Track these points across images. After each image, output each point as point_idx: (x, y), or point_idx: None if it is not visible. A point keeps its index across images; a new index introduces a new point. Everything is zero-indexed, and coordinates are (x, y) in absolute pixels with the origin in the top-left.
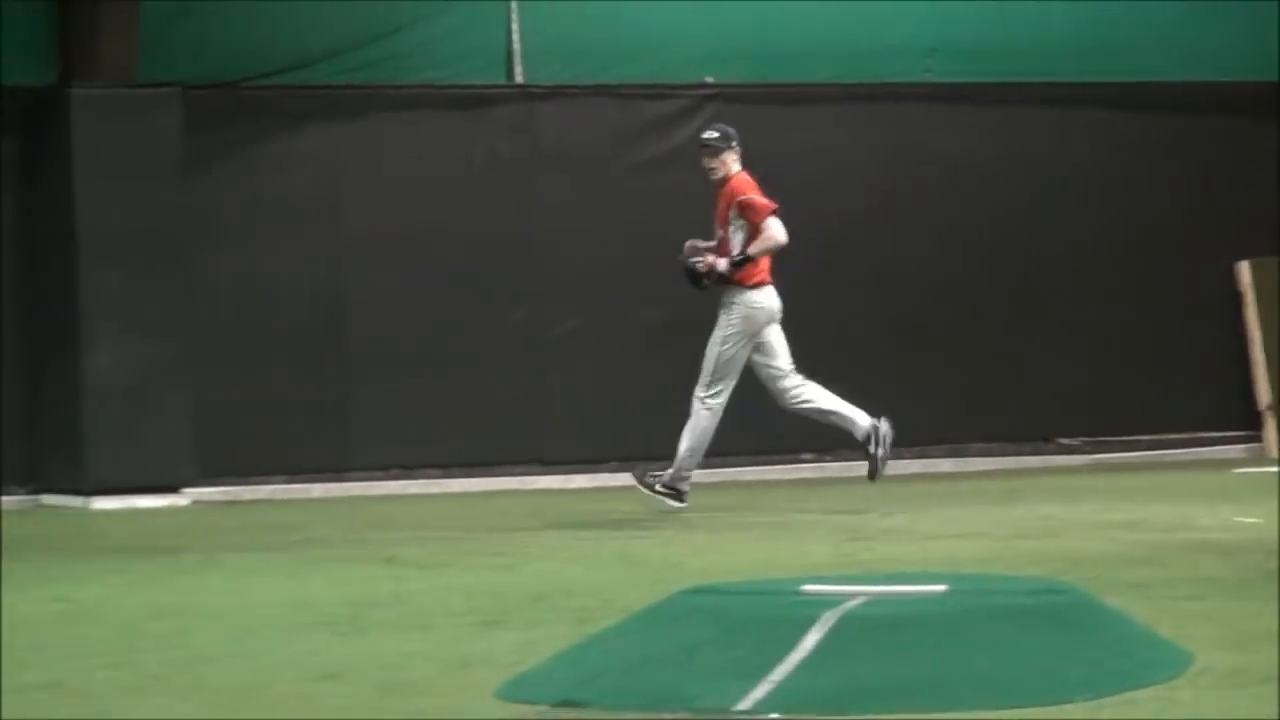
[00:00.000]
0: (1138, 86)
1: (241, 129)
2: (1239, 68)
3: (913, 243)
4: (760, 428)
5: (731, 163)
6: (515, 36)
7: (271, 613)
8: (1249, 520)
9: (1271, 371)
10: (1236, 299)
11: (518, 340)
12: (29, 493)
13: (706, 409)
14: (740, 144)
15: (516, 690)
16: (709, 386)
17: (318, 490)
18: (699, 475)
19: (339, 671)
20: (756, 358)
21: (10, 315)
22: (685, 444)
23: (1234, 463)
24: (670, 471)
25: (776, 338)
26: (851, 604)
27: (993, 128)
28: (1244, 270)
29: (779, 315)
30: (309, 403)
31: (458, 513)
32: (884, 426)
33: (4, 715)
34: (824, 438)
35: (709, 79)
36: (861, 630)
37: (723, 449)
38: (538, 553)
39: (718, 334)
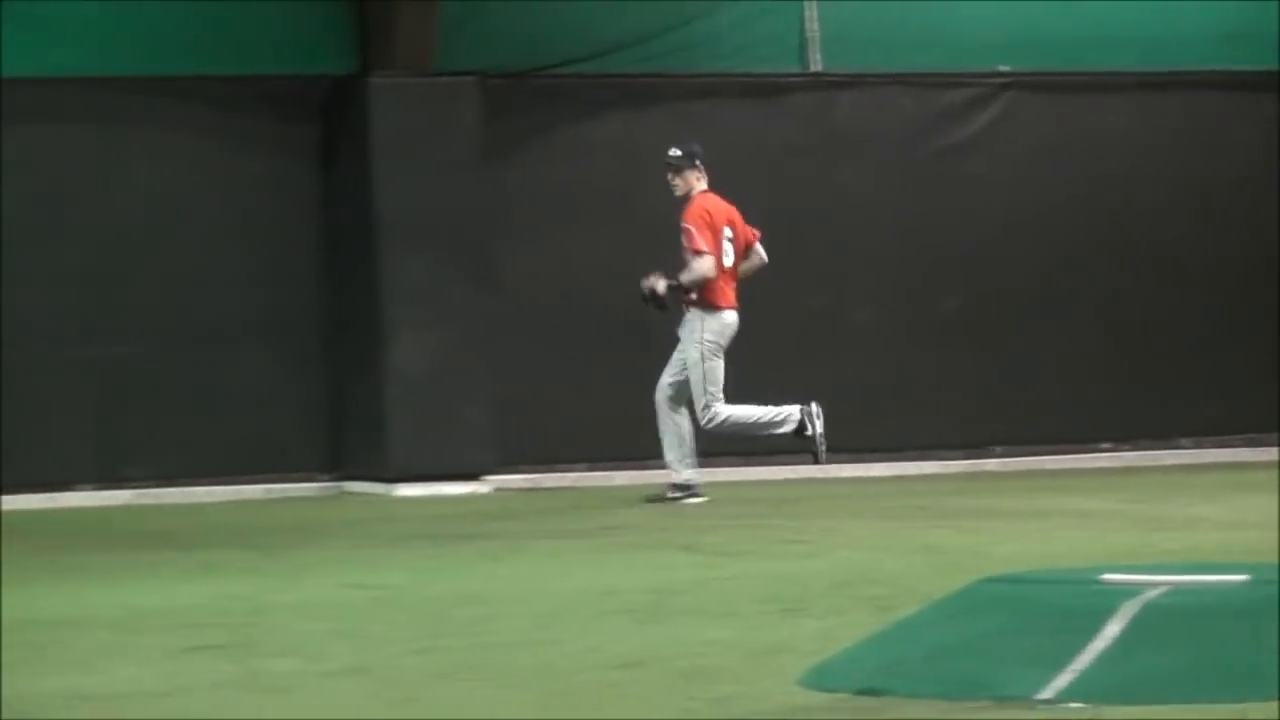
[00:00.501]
0: None
1: (538, 118)
2: None
3: (1210, 232)
4: (1061, 417)
5: (694, 180)
6: (811, 25)
7: (574, 600)
8: None
9: None
10: None
11: (813, 328)
12: (333, 480)
13: (722, 419)
14: (704, 161)
15: (818, 678)
16: (708, 403)
17: (620, 478)
18: (1002, 465)
19: (641, 659)
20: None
21: (312, 304)
22: (743, 423)
23: None
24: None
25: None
26: (1152, 593)
27: None
28: None
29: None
30: (609, 390)
31: (759, 500)
32: (814, 408)
33: (312, 699)
34: (1122, 427)
35: (1003, 68)
36: (1163, 620)
37: (1023, 438)
38: (839, 540)
39: (693, 354)
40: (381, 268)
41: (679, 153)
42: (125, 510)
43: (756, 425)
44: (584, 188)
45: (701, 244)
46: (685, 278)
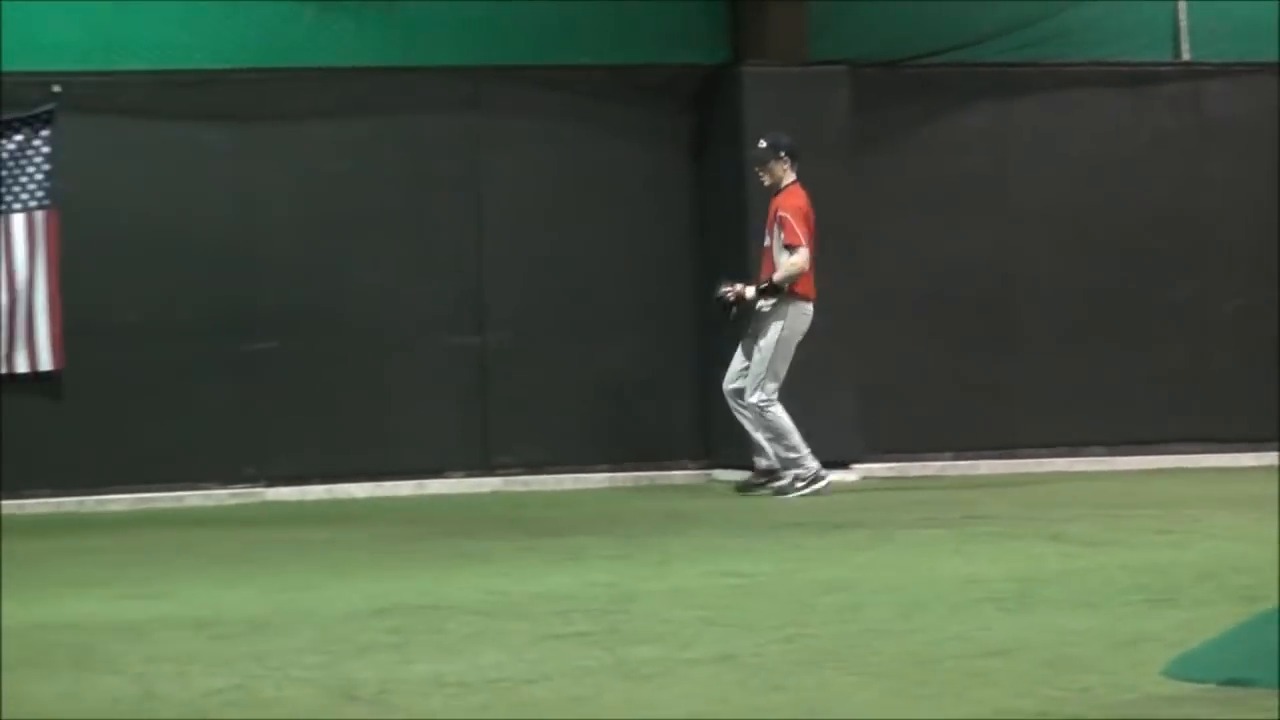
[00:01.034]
0: None
1: (910, 107)
2: None
3: None
4: None
5: (781, 172)
6: (1182, 14)
7: (940, 588)
8: None
9: None
10: None
11: (1183, 317)
12: (701, 468)
13: (773, 412)
14: (791, 153)
15: (1182, 668)
16: (768, 389)
17: (985, 467)
18: None
19: (1005, 648)
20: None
21: (683, 293)
22: (778, 443)
23: None
24: (792, 473)
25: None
26: None
27: None
28: None
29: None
30: (977, 379)
31: (1124, 490)
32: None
33: (677, 687)
34: None
35: None
36: None
37: None
38: (1206, 530)
39: (772, 337)
40: (752, 256)
41: (764, 144)
42: (494, 497)
43: (786, 444)
44: (954, 177)
45: (800, 236)
46: (780, 275)
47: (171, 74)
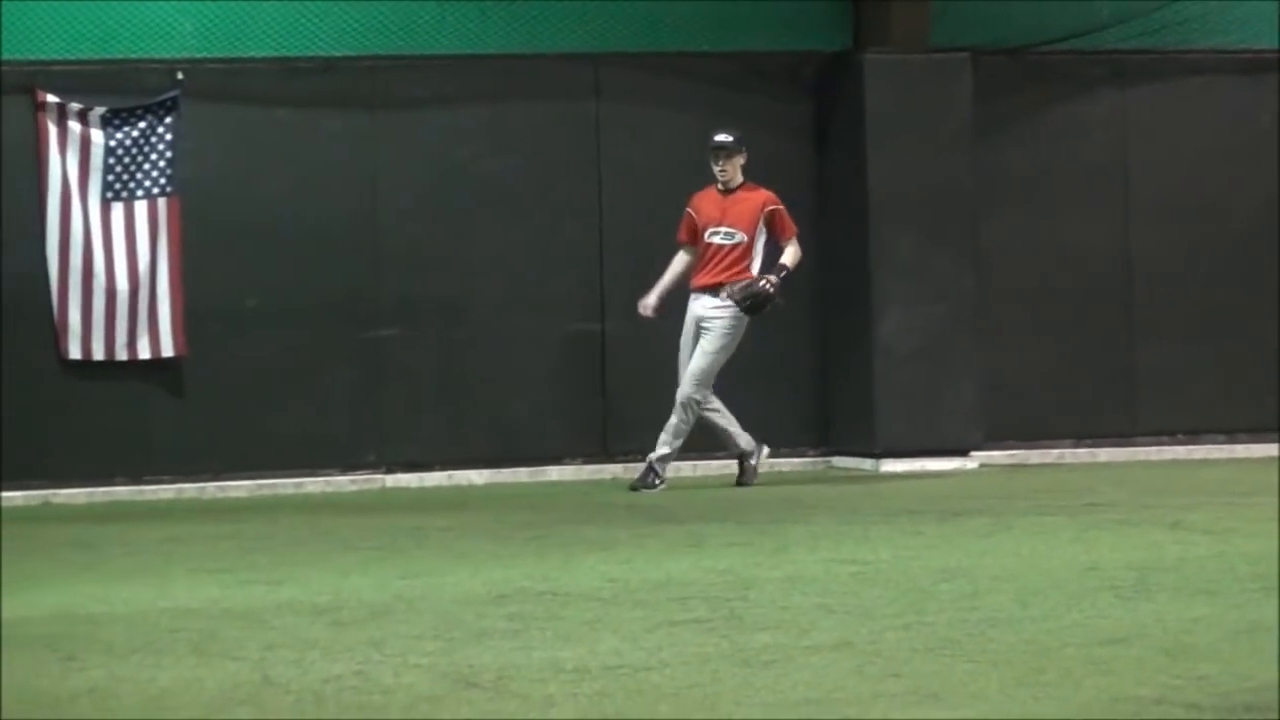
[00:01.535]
0: None
1: (1030, 94)
2: None
3: None
4: None
5: (740, 168)
6: None
7: (1059, 576)
8: None
9: None
10: None
11: None
12: (820, 455)
13: (710, 405)
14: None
15: None
16: (705, 393)
17: (1104, 454)
18: None
19: (1125, 636)
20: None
21: (803, 280)
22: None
23: None
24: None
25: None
26: None
27: None
28: None
29: None
30: (1096, 367)
31: (1243, 478)
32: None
33: (796, 674)
34: None
35: None
36: None
37: None
38: None
39: (717, 341)
40: (871, 244)
41: (732, 138)
42: (613, 484)
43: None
44: (1075, 165)
45: (793, 227)
46: (790, 260)
47: (294, 61)
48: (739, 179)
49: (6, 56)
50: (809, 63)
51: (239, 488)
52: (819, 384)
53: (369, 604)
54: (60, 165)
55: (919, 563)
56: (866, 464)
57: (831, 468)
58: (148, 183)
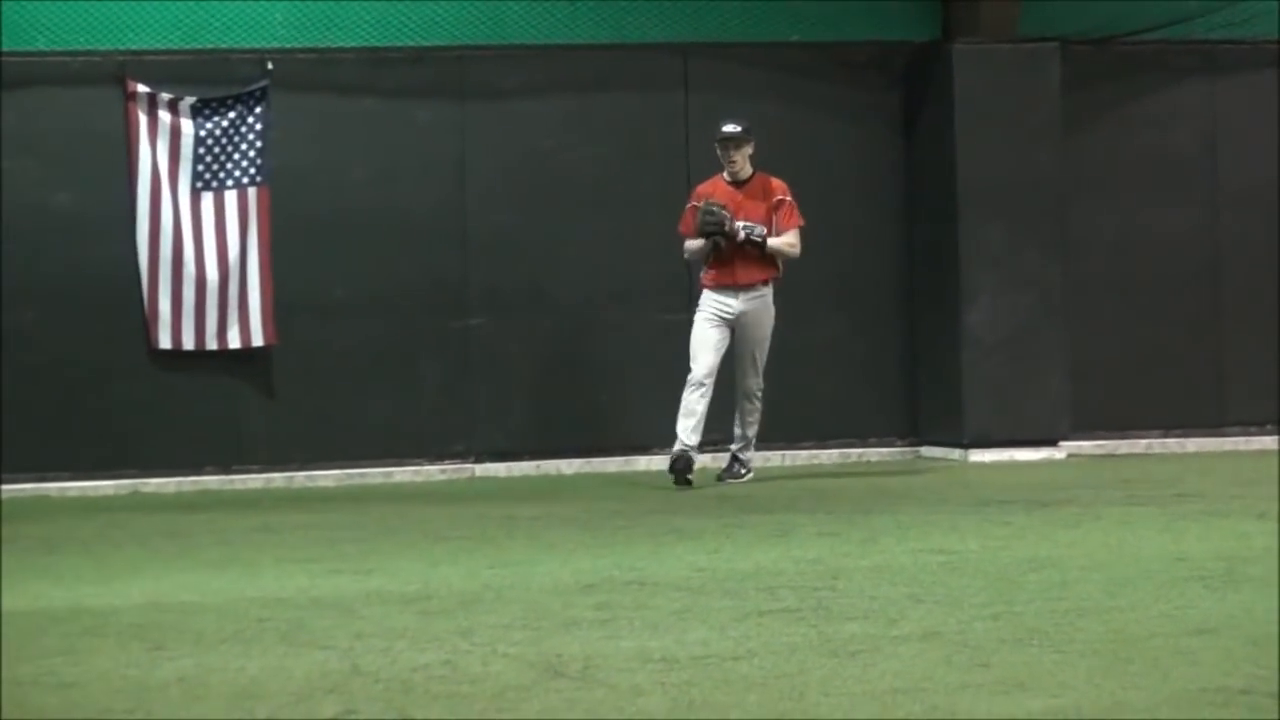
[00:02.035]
0: None
1: (1121, 84)
2: None
3: None
4: None
5: (747, 158)
6: None
7: (1147, 566)
8: None
9: None
10: None
11: None
12: (908, 445)
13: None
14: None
15: None
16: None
17: (1192, 444)
18: None
19: (1213, 626)
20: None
21: (891, 269)
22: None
23: None
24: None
25: None
26: None
27: None
28: None
29: None
30: (1184, 357)
31: None
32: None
33: (884, 663)
34: None
35: None
36: None
37: None
38: None
39: (769, 329)
40: (961, 234)
41: (740, 128)
42: (700, 474)
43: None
44: (1164, 155)
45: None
46: (783, 243)
47: (384, 51)
48: (748, 169)
49: (98, 46)
50: (898, 53)
51: (327, 477)
52: (907, 374)
53: (457, 593)
54: (150, 155)
55: (1007, 553)
56: (955, 454)
57: (920, 458)
58: (237, 172)
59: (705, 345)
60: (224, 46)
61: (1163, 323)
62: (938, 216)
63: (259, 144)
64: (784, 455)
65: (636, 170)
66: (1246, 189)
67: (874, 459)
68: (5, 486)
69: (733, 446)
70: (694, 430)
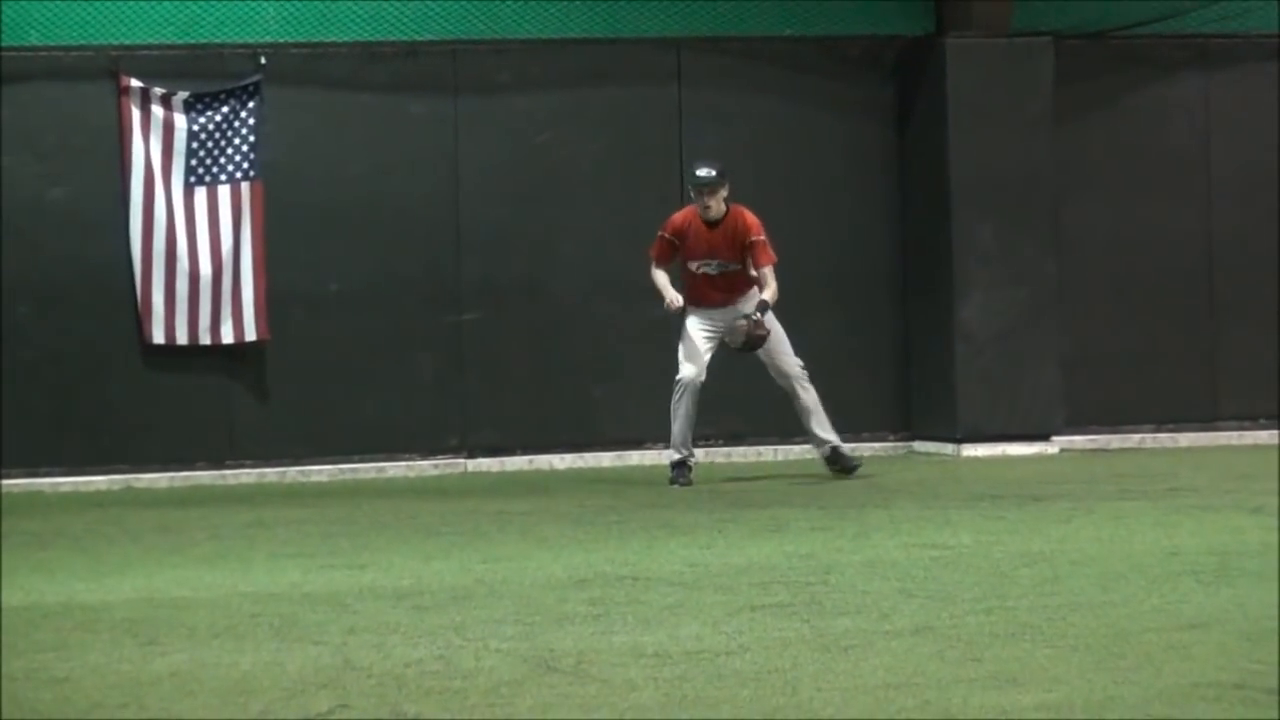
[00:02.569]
0: None
1: (1113, 78)
2: None
3: None
4: None
5: (722, 199)
6: None
7: (1140, 561)
8: None
9: None
10: None
11: None
12: (901, 440)
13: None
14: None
15: None
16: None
17: (1185, 439)
18: None
19: (1206, 621)
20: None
21: (883, 264)
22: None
23: None
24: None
25: None
26: None
27: None
28: None
29: None
30: (1177, 351)
31: None
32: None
33: (876, 658)
34: None
35: None
36: None
37: None
38: None
39: (779, 330)
40: (954, 229)
41: (714, 172)
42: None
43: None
44: (1156, 150)
45: (773, 255)
46: (770, 295)
47: (377, 45)
48: (723, 209)
49: (92, 41)
50: (891, 47)
51: (320, 472)
52: (900, 369)
53: (450, 588)
54: (143, 150)
55: (1000, 547)
56: (948, 449)
57: (913, 452)
58: (230, 167)
59: (689, 353)
60: (217, 41)
61: (1156, 317)
62: (931, 211)
63: (252, 139)
64: (776, 450)
65: (629, 164)
66: (1240, 183)
67: (867, 454)
68: None
69: (829, 440)
70: (680, 439)
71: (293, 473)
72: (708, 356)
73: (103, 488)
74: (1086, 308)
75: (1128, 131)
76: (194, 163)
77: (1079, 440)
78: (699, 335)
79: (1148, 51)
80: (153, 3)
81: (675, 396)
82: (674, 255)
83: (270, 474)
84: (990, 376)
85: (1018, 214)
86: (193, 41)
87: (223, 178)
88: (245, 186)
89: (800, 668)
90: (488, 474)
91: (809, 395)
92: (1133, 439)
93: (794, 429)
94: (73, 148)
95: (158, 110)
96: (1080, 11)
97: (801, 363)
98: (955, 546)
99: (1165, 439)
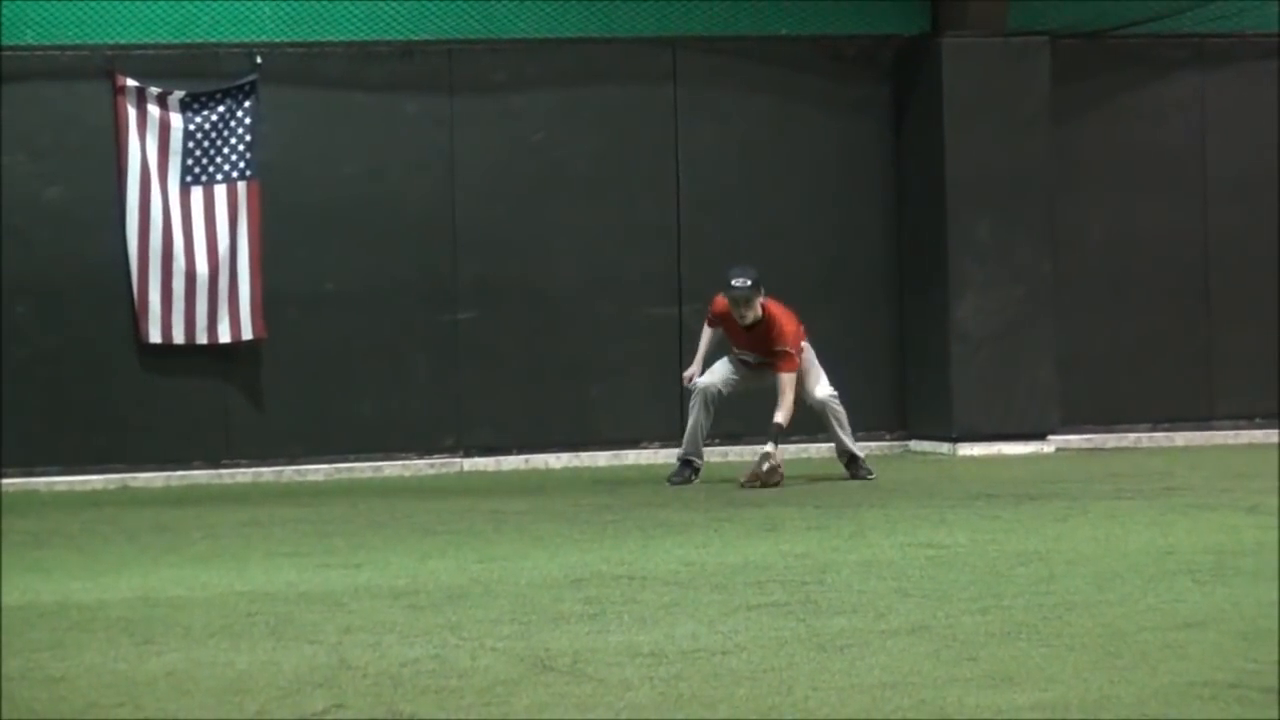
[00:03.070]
0: None
1: (1109, 78)
2: None
3: None
4: None
5: (758, 304)
6: None
7: (1136, 560)
8: None
9: None
10: None
11: None
12: (897, 439)
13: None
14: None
15: None
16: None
17: (1181, 438)
18: None
19: (1201, 620)
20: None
21: (879, 262)
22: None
23: None
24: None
25: None
26: None
27: None
28: None
29: None
30: (1173, 350)
31: None
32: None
33: (872, 658)
34: None
35: None
36: None
37: None
38: None
39: (811, 357)
40: (950, 228)
41: (749, 282)
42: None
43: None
44: (1152, 149)
45: (796, 362)
46: (783, 416)
47: (373, 45)
48: (758, 314)
49: (87, 40)
50: (887, 47)
51: (317, 471)
52: (896, 368)
53: (446, 587)
54: (140, 149)
55: (995, 547)
56: (943, 448)
57: (908, 451)
58: (226, 166)
59: (715, 368)
60: (212, 41)
61: (1152, 316)
62: (927, 210)
63: (248, 138)
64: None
65: (625, 164)
66: (1236, 182)
67: (863, 453)
68: None
69: (853, 450)
70: (689, 441)
71: (289, 472)
72: (733, 378)
73: (99, 487)
74: (1082, 306)
75: (1124, 131)
76: (190, 162)
77: (1075, 439)
78: (734, 361)
79: (1144, 51)
80: (149, 2)
81: (690, 402)
82: (720, 321)
83: (266, 473)
84: (986, 376)
85: (1014, 213)
86: (188, 41)
87: (219, 177)
88: (241, 186)
89: (796, 667)
90: (484, 473)
91: (840, 414)
92: (1129, 438)
93: (789, 427)
94: (69, 147)
95: (154, 110)
96: (1076, 11)
97: (834, 391)
98: (951, 546)
99: (1161, 438)
